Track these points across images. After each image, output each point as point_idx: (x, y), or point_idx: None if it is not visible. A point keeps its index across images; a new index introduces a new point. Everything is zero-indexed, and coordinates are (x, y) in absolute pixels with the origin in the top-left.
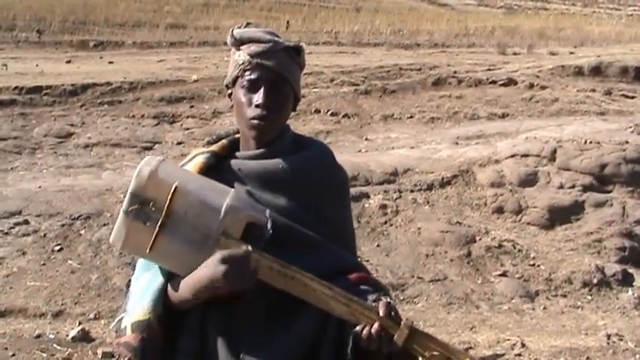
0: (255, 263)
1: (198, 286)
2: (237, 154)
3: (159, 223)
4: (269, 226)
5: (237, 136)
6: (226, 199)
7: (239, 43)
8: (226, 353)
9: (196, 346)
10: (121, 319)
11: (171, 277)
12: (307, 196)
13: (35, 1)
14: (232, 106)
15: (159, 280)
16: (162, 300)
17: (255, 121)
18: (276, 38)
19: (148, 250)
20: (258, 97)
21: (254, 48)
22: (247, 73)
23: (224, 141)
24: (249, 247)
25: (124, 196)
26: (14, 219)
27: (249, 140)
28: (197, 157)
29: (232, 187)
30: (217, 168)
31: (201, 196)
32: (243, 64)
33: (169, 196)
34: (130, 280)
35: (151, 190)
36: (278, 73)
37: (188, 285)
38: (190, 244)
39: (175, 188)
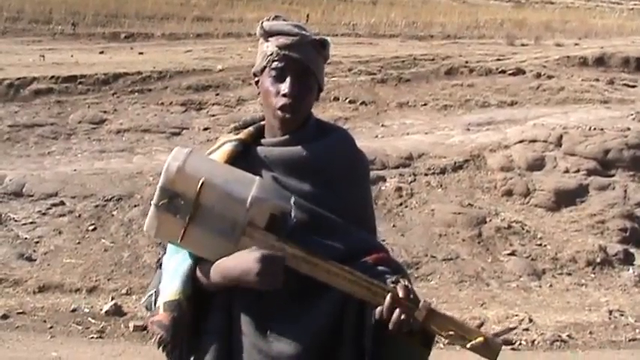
0: (279, 249)
1: (229, 274)
2: (263, 140)
3: (188, 216)
4: (292, 214)
5: (262, 123)
6: (251, 191)
7: (268, 34)
8: (253, 332)
9: (224, 326)
10: (151, 295)
11: (201, 260)
12: (330, 181)
13: None
14: (259, 94)
15: (188, 261)
16: (191, 281)
17: (281, 110)
18: (303, 32)
19: (179, 240)
20: (285, 87)
21: (282, 40)
22: (275, 63)
23: (250, 128)
24: (283, 246)
25: (154, 179)
26: (51, 200)
27: (275, 128)
28: (225, 145)
29: (259, 173)
30: (244, 155)
31: (228, 188)
32: (271, 54)
33: (197, 190)
34: (159, 259)
35: (179, 185)
36: (304, 64)
37: (219, 270)
38: (218, 233)
39: (202, 183)
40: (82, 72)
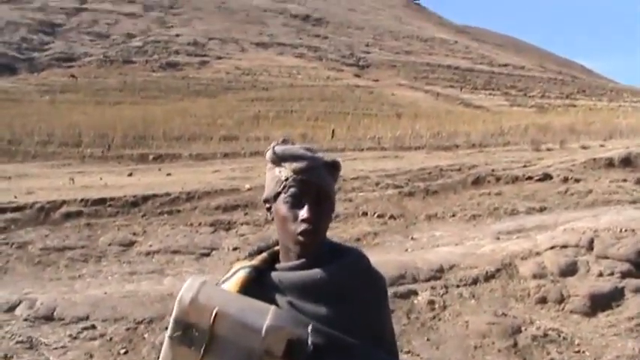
0: None
1: None
2: (277, 265)
3: (203, 347)
4: (309, 342)
5: (276, 248)
6: (266, 320)
7: (281, 159)
8: None
9: None
10: None
11: None
12: (347, 303)
13: (99, 119)
14: (273, 219)
15: None
16: None
17: (302, 236)
18: (315, 155)
19: None
20: (304, 212)
21: (296, 165)
22: (291, 189)
23: (264, 254)
24: None
25: None
26: (82, 324)
27: (290, 252)
28: (239, 272)
29: (273, 298)
30: (258, 281)
31: (242, 318)
32: (286, 180)
33: (211, 321)
34: None
35: (193, 316)
36: (320, 187)
37: None
38: None
39: (216, 313)
40: (111, 194)
